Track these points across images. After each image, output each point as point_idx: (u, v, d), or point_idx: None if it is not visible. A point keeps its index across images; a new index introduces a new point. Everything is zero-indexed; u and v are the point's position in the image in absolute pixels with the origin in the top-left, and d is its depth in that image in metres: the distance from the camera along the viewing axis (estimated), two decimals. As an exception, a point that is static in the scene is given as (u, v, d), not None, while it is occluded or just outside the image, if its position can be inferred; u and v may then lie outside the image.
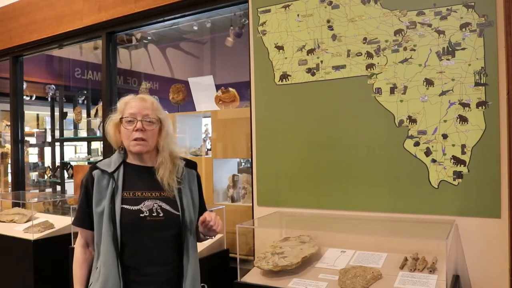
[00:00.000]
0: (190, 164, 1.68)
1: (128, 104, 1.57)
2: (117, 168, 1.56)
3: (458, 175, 1.92)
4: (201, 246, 2.47)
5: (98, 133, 4.28)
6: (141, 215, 1.50)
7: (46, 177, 5.28)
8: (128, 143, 1.55)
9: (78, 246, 1.61)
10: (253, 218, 2.47)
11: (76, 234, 2.92)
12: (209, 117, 3.21)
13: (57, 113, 5.02)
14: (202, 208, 1.68)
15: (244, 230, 2.55)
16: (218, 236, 2.61)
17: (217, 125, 3.10)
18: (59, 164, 4.95)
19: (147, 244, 1.51)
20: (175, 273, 1.54)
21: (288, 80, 2.36)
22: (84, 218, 1.56)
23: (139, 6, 3.11)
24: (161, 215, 1.52)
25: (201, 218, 1.52)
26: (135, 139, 1.53)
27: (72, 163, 4.79)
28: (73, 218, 1.63)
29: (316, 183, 2.26)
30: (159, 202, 1.54)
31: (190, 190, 1.63)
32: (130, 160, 1.61)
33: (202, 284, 1.66)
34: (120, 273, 1.46)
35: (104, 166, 1.56)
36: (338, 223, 2.19)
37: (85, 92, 5.54)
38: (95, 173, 1.55)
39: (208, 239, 1.67)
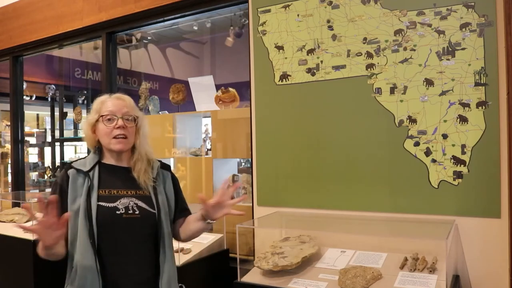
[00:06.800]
0: (165, 166, 1.70)
1: (105, 103, 1.58)
2: (93, 168, 1.56)
3: (458, 175, 1.91)
4: (201, 246, 2.47)
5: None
6: (117, 212, 1.50)
7: (46, 177, 5.27)
8: (108, 141, 1.55)
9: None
10: (253, 218, 2.47)
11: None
12: (209, 117, 3.21)
13: (57, 113, 5.02)
14: (184, 209, 1.69)
15: (244, 230, 2.55)
16: (218, 236, 2.61)
17: (217, 125, 3.10)
18: (59, 164, 4.95)
19: (124, 242, 1.50)
20: (153, 272, 1.54)
21: (288, 80, 2.36)
22: None
23: (139, 6, 3.11)
24: (137, 212, 1.52)
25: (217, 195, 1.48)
26: (116, 137, 1.54)
27: (72, 163, 4.78)
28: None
29: (316, 183, 2.26)
30: (135, 200, 1.54)
31: (164, 190, 1.64)
32: (106, 160, 1.61)
33: (180, 285, 1.65)
34: (99, 270, 1.44)
35: (79, 166, 1.56)
36: (338, 223, 2.19)
37: (85, 92, 5.52)
38: (70, 172, 1.54)
39: (209, 225, 1.58)
